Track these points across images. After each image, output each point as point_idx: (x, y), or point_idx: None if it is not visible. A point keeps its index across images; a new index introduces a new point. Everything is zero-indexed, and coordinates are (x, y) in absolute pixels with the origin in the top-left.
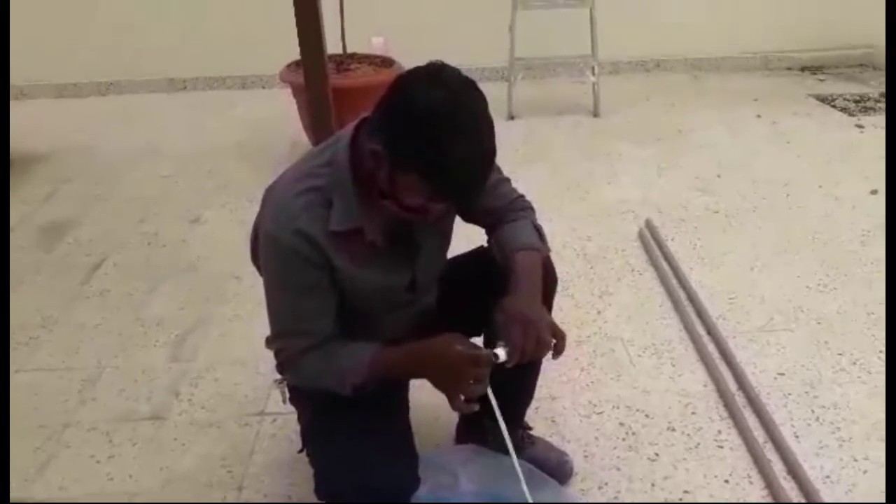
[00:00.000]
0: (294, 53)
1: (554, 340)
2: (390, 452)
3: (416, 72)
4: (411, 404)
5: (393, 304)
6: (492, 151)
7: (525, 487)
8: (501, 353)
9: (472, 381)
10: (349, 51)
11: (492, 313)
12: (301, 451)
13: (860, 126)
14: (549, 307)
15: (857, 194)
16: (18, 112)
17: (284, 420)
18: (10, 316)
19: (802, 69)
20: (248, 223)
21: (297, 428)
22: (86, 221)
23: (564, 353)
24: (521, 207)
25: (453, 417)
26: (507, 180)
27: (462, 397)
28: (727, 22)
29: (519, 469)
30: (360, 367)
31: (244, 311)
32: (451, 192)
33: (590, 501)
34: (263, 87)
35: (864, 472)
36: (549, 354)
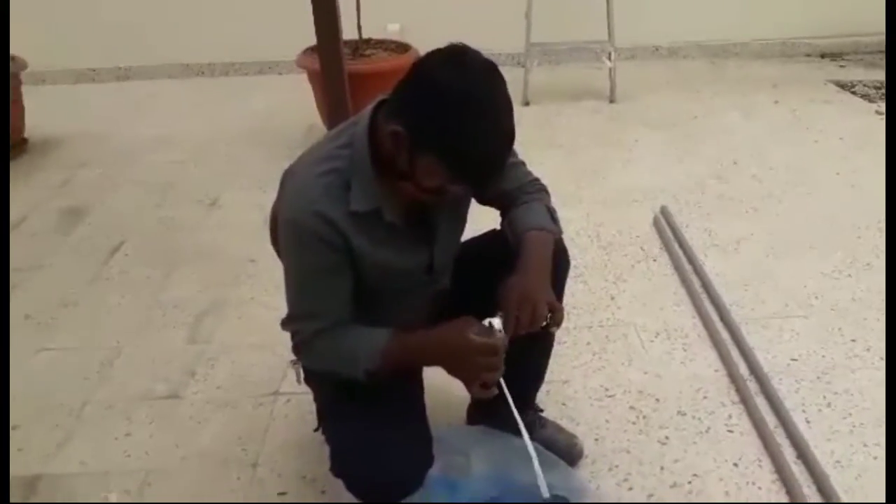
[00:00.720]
0: (310, 39)
1: (550, 313)
2: (405, 431)
3: (438, 54)
4: (424, 384)
5: (410, 285)
6: (511, 135)
7: (538, 467)
8: (497, 322)
9: (486, 369)
10: (365, 36)
11: (498, 292)
12: (317, 429)
13: (880, 112)
14: (561, 289)
15: (875, 181)
16: (36, 97)
17: (299, 400)
18: (9, 314)
19: (822, 55)
20: (265, 207)
21: (312, 408)
22: (103, 205)
23: (576, 337)
24: (535, 190)
25: (465, 398)
26: (522, 163)
27: (479, 384)
28: (745, 8)
29: (532, 450)
30: (374, 354)
31: (260, 293)
32: (470, 175)
33: (599, 484)
34: (280, 73)
35: (875, 457)
36: (550, 329)
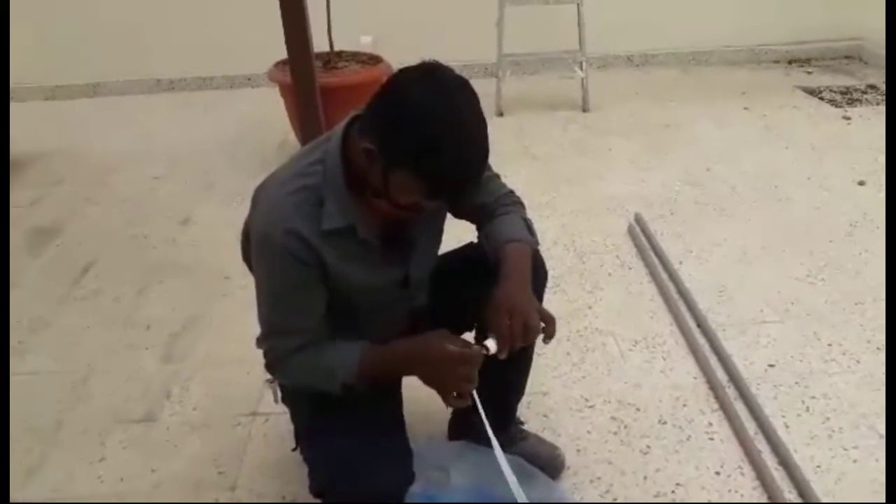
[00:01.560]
0: (281, 52)
1: (543, 325)
2: (385, 449)
3: (410, 70)
4: (403, 399)
5: (386, 301)
6: (485, 151)
7: (514, 482)
8: (492, 344)
9: (463, 379)
10: (337, 49)
11: (482, 308)
12: (294, 449)
13: (847, 117)
14: (540, 301)
15: (844, 185)
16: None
17: (276, 419)
18: (9, 314)
19: (790, 62)
20: (238, 223)
21: (290, 427)
22: (75, 224)
23: (555, 348)
24: (510, 202)
25: (445, 413)
26: (497, 176)
27: (454, 393)
28: (714, 16)
29: (506, 466)
30: (350, 366)
31: (235, 311)
32: (445, 192)
33: (581, 496)
34: (252, 87)
35: (854, 461)
36: (542, 340)
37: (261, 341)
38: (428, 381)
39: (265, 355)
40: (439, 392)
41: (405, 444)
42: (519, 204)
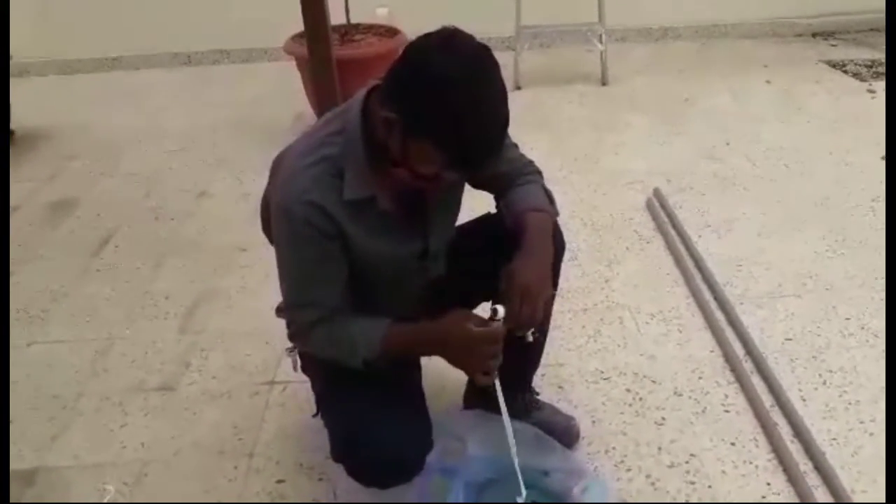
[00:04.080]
0: (298, 25)
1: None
2: (405, 416)
3: (429, 38)
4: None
5: (404, 272)
6: (506, 119)
7: (514, 452)
8: (501, 310)
9: (489, 357)
10: (353, 21)
11: (500, 278)
12: (315, 415)
13: (872, 91)
14: (557, 273)
15: (867, 160)
16: (22, 89)
17: (294, 388)
18: (9, 309)
19: (813, 35)
20: (254, 196)
21: (308, 396)
22: (92, 197)
23: (572, 320)
24: (529, 172)
25: (461, 383)
26: (515, 146)
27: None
28: None
29: (511, 436)
30: (373, 344)
31: (251, 282)
32: (466, 161)
33: (596, 465)
34: (268, 61)
35: (871, 434)
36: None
37: (283, 312)
38: (453, 362)
39: (288, 327)
40: (466, 372)
41: (424, 413)
42: (538, 174)
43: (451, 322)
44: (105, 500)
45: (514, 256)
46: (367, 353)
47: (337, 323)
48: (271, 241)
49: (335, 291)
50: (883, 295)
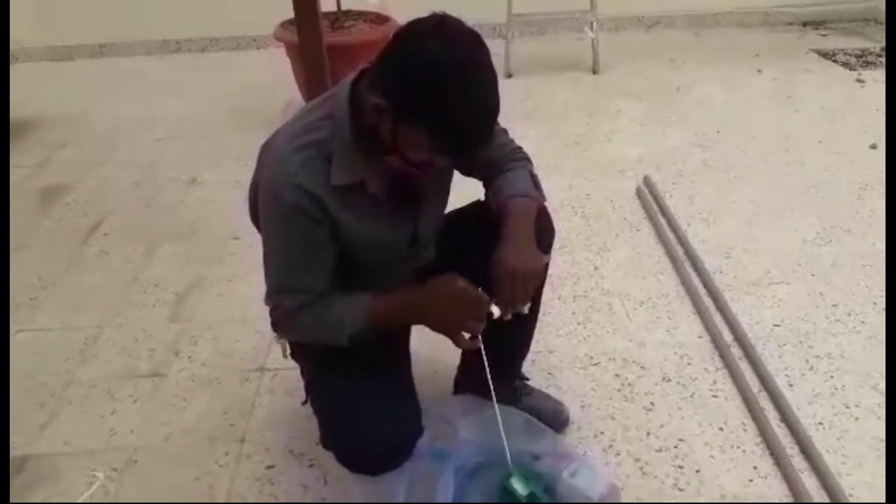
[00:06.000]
0: (288, 12)
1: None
2: (394, 401)
3: (420, 23)
4: (411, 356)
5: (393, 258)
6: (496, 105)
7: (503, 435)
8: (495, 310)
9: (473, 318)
10: (344, 8)
11: (487, 269)
12: (305, 402)
13: (861, 80)
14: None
15: (856, 148)
16: (11, 76)
17: (284, 375)
18: (9, 297)
19: (804, 24)
20: (245, 183)
21: (298, 383)
22: (82, 185)
23: (561, 307)
24: (518, 158)
25: (451, 369)
26: (505, 131)
27: (466, 335)
28: None
29: (500, 418)
30: (358, 316)
31: (242, 270)
32: (456, 147)
33: (585, 450)
34: (257, 48)
35: (856, 418)
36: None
37: (268, 298)
38: (437, 324)
39: (271, 313)
40: (448, 334)
41: (414, 399)
42: (526, 160)
43: (439, 281)
44: (94, 488)
45: (498, 243)
46: (352, 326)
47: (323, 305)
48: (258, 229)
49: (322, 277)
50: (869, 282)
